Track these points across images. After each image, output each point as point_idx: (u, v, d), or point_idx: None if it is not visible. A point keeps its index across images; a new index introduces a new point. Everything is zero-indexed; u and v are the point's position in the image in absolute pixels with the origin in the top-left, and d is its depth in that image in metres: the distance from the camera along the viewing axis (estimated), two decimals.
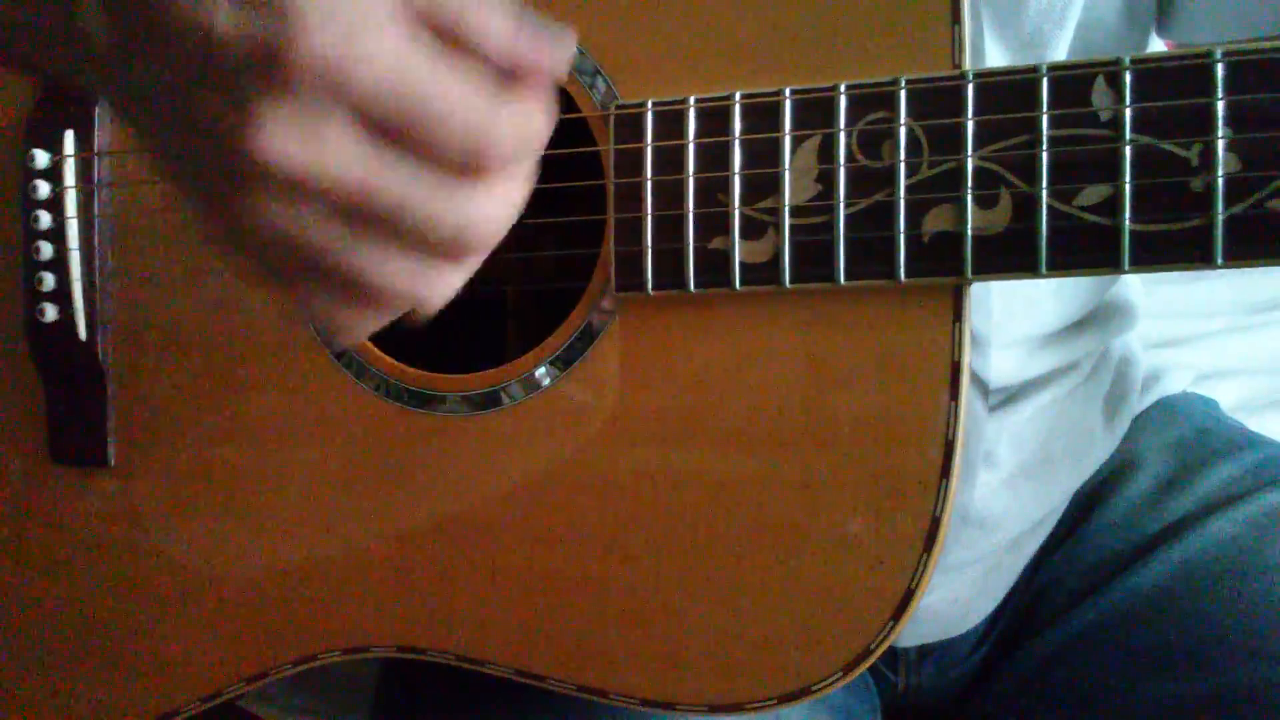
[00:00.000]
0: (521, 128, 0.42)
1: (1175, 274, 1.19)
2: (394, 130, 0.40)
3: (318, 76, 0.38)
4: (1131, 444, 0.80)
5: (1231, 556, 0.71)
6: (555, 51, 0.42)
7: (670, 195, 0.53)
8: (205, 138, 0.41)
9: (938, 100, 0.49)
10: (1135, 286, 0.82)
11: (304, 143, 0.39)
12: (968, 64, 0.49)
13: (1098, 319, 0.76)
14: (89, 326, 0.67)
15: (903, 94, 0.49)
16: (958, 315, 0.50)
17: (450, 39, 0.41)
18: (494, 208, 0.43)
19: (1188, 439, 0.80)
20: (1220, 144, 0.45)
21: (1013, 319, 0.68)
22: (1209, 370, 1.04)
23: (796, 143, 0.51)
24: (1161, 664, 0.69)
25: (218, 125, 0.40)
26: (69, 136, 0.67)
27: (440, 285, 0.44)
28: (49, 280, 0.67)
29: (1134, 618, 0.72)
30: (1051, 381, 0.73)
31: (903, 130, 0.49)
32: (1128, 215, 0.46)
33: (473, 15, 0.41)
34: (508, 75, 0.42)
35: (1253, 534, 0.71)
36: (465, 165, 0.41)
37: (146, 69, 0.41)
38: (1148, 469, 0.78)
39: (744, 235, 0.52)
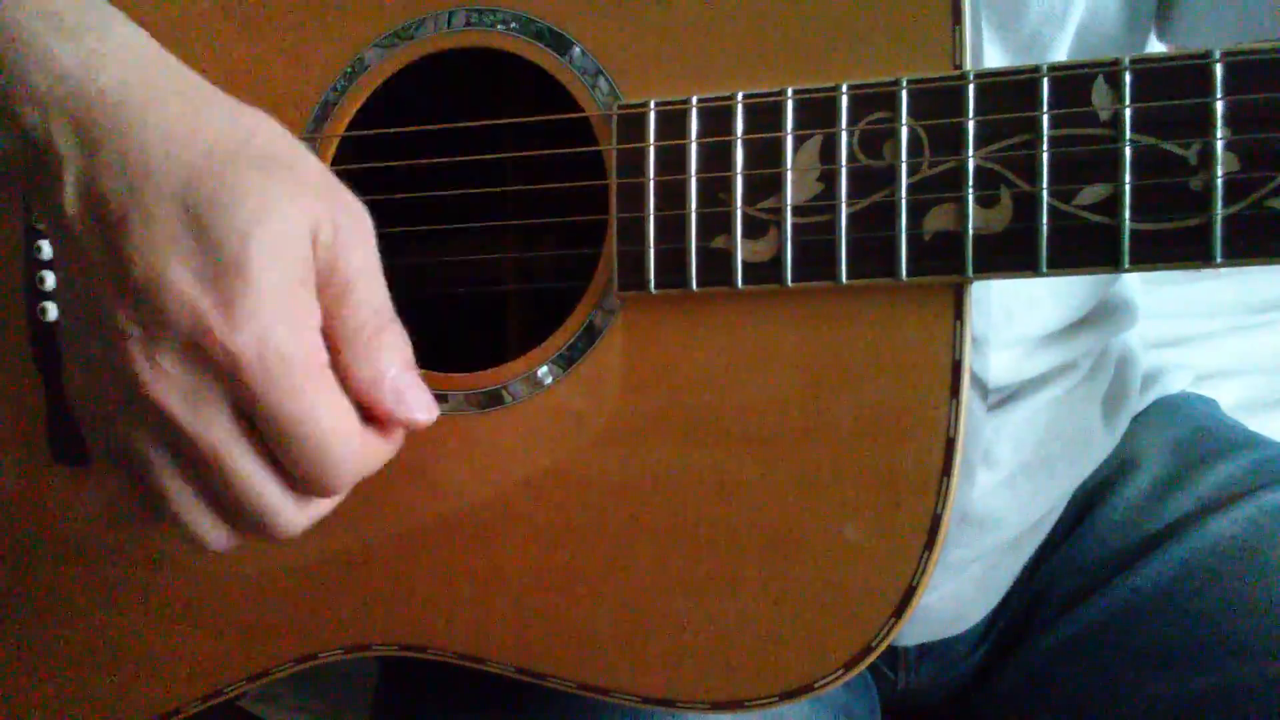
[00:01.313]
0: (359, 473, 0.48)
1: (1175, 274, 1.20)
2: (263, 429, 0.45)
3: (232, 365, 0.43)
4: (1131, 443, 0.80)
5: (1231, 556, 0.71)
6: (421, 413, 0.49)
7: (672, 195, 0.53)
8: (107, 336, 0.45)
9: (939, 100, 0.49)
10: (1135, 286, 0.82)
11: (186, 401, 0.44)
12: (968, 65, 0.49)
13: (1097, 318, 0.77)
14: None
15: (904, 94, 0.50)
16: (958, 314, 0.50)
17: (345, 365, 0.47)
18: (297, 522, 0.49)
19: (1187, 439, 0.80)
20: (1219, 144, 0.45)
21: (1012, 319, 0.68)
22: (1209, 370, 1.04)
23: (798, 142, 0.51)
24: (1161, 664, 0.69)
25: (126, 339, 0.44)
26: None
27: (211, 545, 0.49)
28: (50, 279, 0.67)
29: (1134, 618, 0.72)
30: (1051, 381, 0.74)
31: (904, 130, 0.49)
32: (1127, 214, 0.46)
33: (375, 358, 0.47)
34: (371, 413, 0.48)
35: (1253, 533, 0.71)
36: (299, 484, 0.47)
37: (87, 258, 0.45)
38: (1147, 468, 0.78)
39: (746, 235, 0.52)
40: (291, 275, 0.44)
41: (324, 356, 0.46)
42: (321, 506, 0.49)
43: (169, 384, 0.44)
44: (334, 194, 0.47)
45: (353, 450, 0.47)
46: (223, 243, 0.43)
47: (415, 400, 0.49)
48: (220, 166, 0.44)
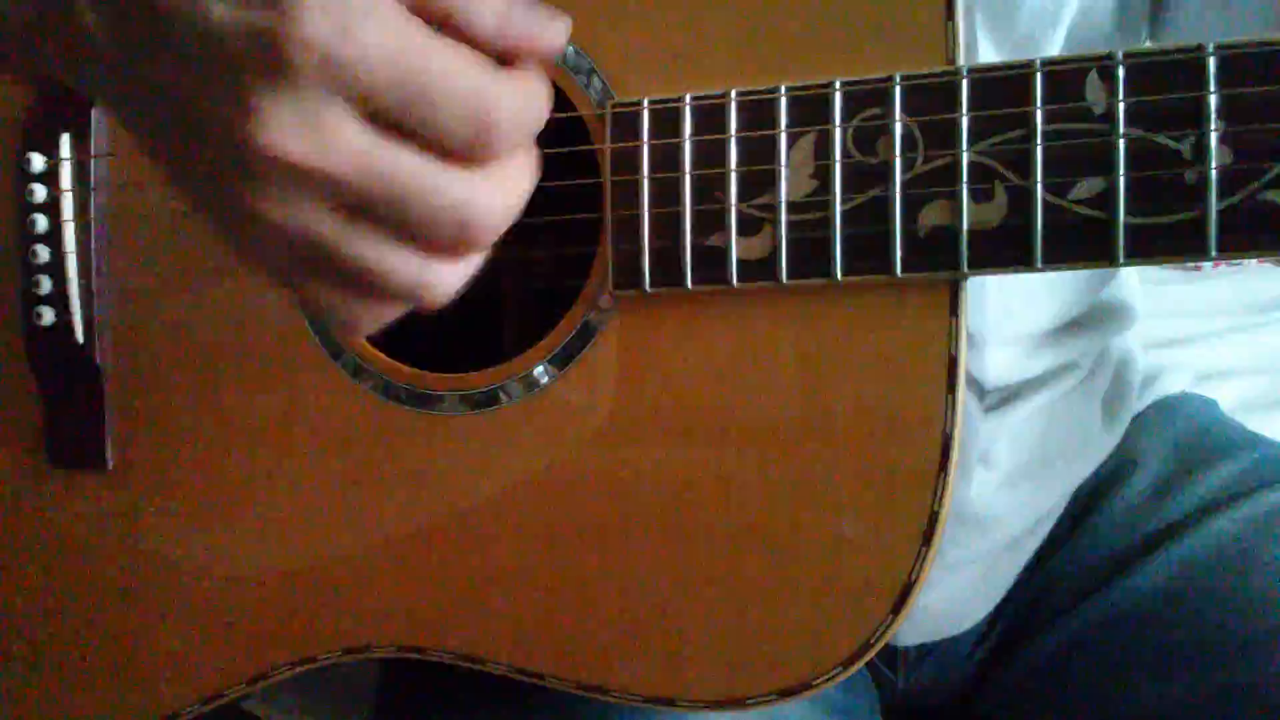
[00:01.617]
0: (521, 108, 0.41)
1: (1175, 274, 1.20)
2: (395, 118, 0.39)
3: (315, 65, 0.38)
4: (1131, 444, 0.80)
5: (1231, 556, 0.71)
6: (549, 32, 0.42)
7: (667, 193, 0.53)
8: (204, 135, 0.40)
9: (932, 96, 0.49)
10: (1133, 286, 0.82)
11: (305, 135, 0.39)
12: (962, 60, 0.49)
13: (1095, 318, 0.77)
14: (86, 329, 0.67)
15: (897, 90, 0.50)
16: (954, 310, 0.50)
17: (445, 24, 0.40)
18: (498, 196, 0.42)
19: (1187, 439, 0.80)
20: (1213, 136, 0.45)
21: (1009, 318, 0.68)
22: (1209, 370, 1.04)
23: (792, 140, 0.51)
24: (1161, 664, 0.69)
25: (217, 121, 0.40)
26: (65, 140, 0.67)
27: (446, 278, 0.43)
28: (46, 284, 0.67)
29: (1134, 618, 0.72)
30: (1050, 381, 0.73)
31: (898, 126, 0.49)
32: (1122, 208, 0.46)
33: (465, 2, 0.40)
34: (502, 59, 0.41)
35: (1253, 533, 0.71)
36: (469, 151, 0.40)
37: (143, 66, 0.41)
38: (1147, 469, 0.78)
39: (741, 232, 0.52)
40: None
41: (414, 31, 0.39)
42: (516, 170, 0.43)
43: (276, 126, 0.39)
44: None
45: (496, 92, 0.40)
46: None
47: (546, 21, 0.42)
48: None
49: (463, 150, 0.40)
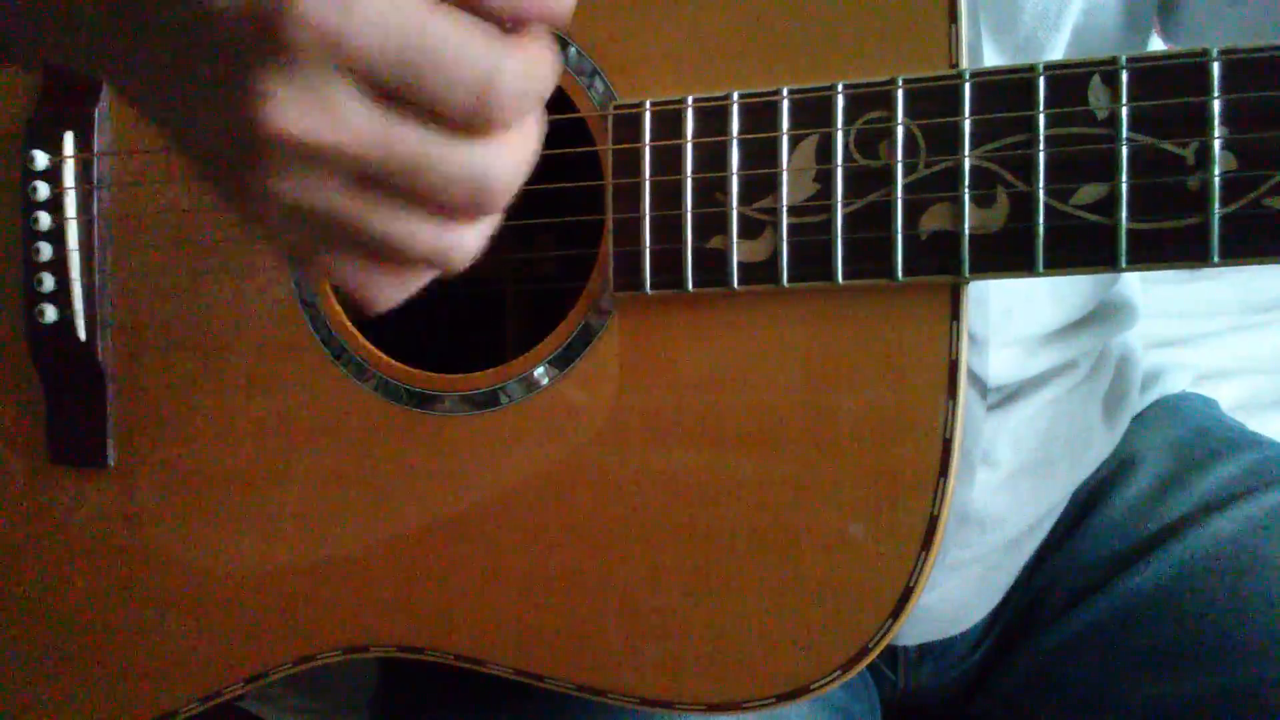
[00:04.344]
0: (525, 76, 0.40)
1: (1176, 274, 1.20)
2: (399, 91, 0.39)
3: (315, 43, 0.37)
4: (1131, 443, 0.80)
5: (1231, 556, 0.71)
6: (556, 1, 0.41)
7: (668, 195, 0.53)
8: (211, 114, 0.40)
9: (935, 100, 0.49)
10: (1135, 286, 0.82)
11: (311, 111, 0.39)
12: (965, 64, 0.49)
13: (1097, 318, 0.76)
14: (88, 327, 0.67)
15: (900, 93, 0.49)
16: (955, 314, 0.50)
17: None
18: (506, 160, 0.42)
19: (1187, 439, 0.80)
20: (1216, 142, 0.45)
21: (1011, 318, 0.68)
22: (1209, 370, 1.04)
23: (794, 142, 0.51)
24: (1161, 664, 0.69)
25: (222, 103, 0.39)
26: (68, 138, 0.67)
27: (465, 240, 0.43)
28: (49, 281, 0.67)
29: (1134, 618, 0.72)
30: (1050, 380, 0.73)
31: (900, 130, 0.49)
32: (1124, 214, 0.46)
33: None
34: (508, 26, 0.40)
35: (1252, 533, 0.71)
36: (474, 120, 0.40)
37: (144, 47, 0.41)
38: (1147, 468, 0.78)
39: (742, 235, 0.52)
40: None
41: (416, 2, 0.39)
42: (522, 135, 0.42)
43: (281, 105, 0.38)
44: None
45: (500, 61, 0.39)
46: None
47: None
48: None
49: (467, 120, 0.40)
